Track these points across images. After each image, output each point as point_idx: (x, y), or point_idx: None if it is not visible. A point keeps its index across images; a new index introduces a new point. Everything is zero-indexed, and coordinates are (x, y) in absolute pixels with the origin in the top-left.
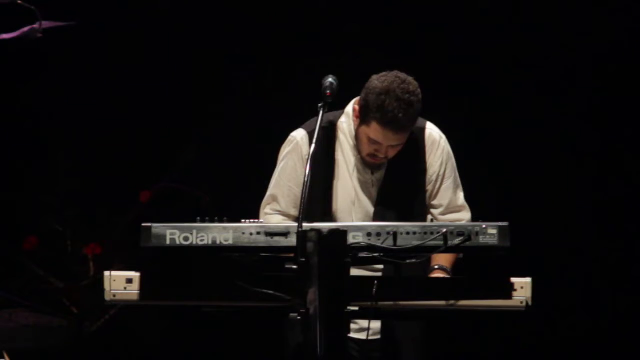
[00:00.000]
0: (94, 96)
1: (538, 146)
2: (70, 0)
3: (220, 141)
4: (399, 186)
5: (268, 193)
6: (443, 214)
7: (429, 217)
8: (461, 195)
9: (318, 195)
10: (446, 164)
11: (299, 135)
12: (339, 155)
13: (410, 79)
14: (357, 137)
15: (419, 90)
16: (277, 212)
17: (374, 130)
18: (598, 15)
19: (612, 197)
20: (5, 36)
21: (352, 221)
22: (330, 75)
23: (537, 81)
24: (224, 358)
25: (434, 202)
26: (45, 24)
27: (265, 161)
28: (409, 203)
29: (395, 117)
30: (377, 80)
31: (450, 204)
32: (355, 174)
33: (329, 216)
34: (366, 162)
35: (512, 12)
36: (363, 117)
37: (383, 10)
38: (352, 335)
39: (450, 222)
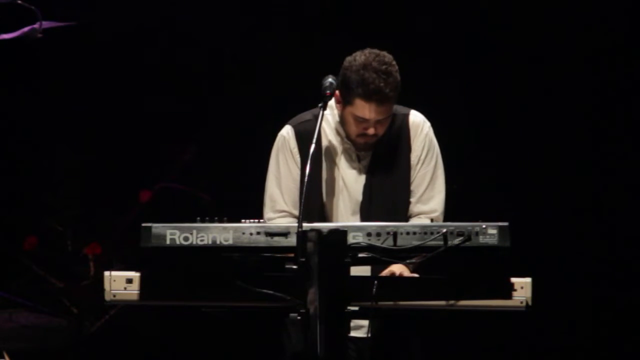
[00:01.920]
0: (94, 96)
1: (538, 146)
2: (71, 0)
3: (220, 141)
4: (386, 171)
5: (267, 198)
6: (414, 203)
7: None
8: (439, 195)
9: (309, 189)
10: (427, 149)
11: (285, 131)
12: (326, 148)
13: (383, 52)
14: (343, 122)
15: (395, 62)
16: (282, 213)
17: (359, 107)
18: (598, 14)
19: (612, 196)
20: (5, 36)
21: (343, 209)
22: (330, 75)
23: (538, 81)
24: (224, 358)
25: (412, 189)
26: (45, 24)
27: (265, 161)
28: (398, 188)
29: (377, 88)
30: (352, 59)
31: (423, 195)
32: (342, 164)
33: (321, 207)
34: (357, 145)
35: (512, 12)
36: (346, 97)
37: (382, 9)
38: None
39: (416, 214)
